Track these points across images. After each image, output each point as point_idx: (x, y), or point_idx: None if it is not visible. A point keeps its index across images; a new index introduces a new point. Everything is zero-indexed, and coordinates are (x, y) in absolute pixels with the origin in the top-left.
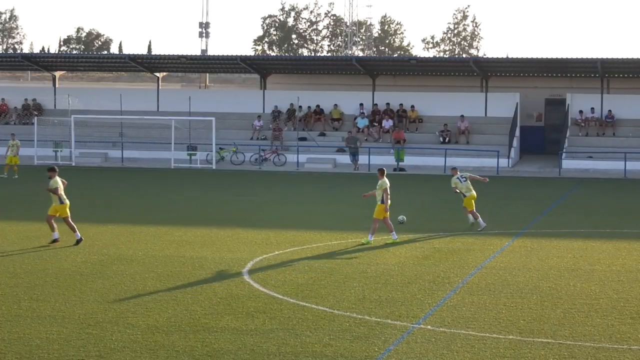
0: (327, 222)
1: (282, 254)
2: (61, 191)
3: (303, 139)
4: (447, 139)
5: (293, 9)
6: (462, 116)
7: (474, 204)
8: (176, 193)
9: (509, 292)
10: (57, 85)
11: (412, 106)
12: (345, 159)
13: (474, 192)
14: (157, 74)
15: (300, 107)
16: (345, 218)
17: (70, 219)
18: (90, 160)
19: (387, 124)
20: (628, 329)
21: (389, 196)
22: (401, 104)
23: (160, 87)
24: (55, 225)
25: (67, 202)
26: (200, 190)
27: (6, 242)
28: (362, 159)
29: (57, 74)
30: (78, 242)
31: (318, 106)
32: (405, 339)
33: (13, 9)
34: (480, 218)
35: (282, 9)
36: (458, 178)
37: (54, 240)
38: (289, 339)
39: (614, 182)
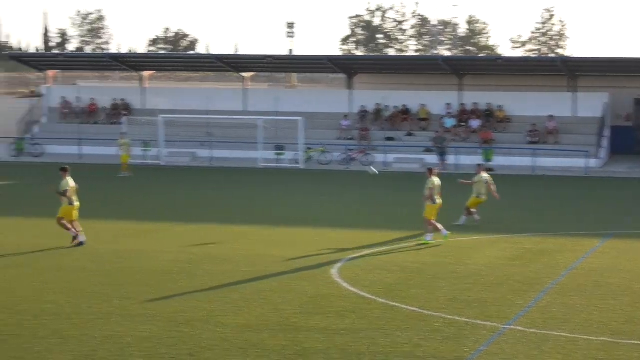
0: (416, 221)
1: (371, 254)
2: (71, 193)
3: (390, 138)
4: (535, 139)
5: (379, 8)
6: (550, 116)
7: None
8: (264, 193)
9: (600, 293)
10: (145, 85)
11: (500, 106)
12: (433, 159)
13: (485, 197)
14: (244, 74)
15: (386, 106)
16: None
17: (75, 222)
18: (178, 159)
19: (475, 123)
20: None
21: (429, 196)
22: (488, 104)
23: (247, 87)
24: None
25: (77, 203)
26: (288, 190)
27: (99, 240)
28: (450, 158)
29: (145, 74)
30: (80, 243)
31: (404, 106)
32: (496, 339)
33: (101, 10)
34: (470, 217)
35: (368, 9)
36: (486, 177)
37: (76, 239)
38: (379, 338)
39: None
